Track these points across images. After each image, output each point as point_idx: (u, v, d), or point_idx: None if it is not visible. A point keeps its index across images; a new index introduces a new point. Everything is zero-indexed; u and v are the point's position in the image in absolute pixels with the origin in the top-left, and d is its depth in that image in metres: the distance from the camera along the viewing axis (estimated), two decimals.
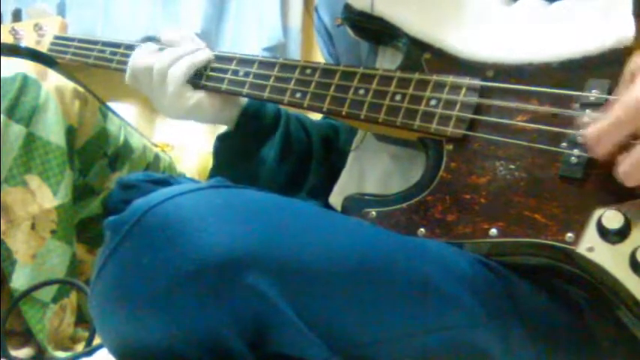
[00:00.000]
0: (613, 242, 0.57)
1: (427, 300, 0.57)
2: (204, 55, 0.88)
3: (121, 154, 1.25)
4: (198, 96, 0.87)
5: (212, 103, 0.88)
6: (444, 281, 0.59)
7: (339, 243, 0.55)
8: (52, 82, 1.12)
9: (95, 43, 1.03)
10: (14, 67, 1.09)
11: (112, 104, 1.30)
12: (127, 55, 0.95)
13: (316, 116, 0.93)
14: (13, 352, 1.06)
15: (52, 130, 1.10)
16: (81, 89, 1.17)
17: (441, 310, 0.58)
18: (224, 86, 0.86)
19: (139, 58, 0.91)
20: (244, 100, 0.91)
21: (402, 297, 0.56)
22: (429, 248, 0.61)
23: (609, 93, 0.62)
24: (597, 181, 0.60)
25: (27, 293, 1.06)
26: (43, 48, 1.14)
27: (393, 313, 0.56)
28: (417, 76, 0.72)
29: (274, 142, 0.92)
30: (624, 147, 0.56)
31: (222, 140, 0.93)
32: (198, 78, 0.88)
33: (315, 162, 0.96)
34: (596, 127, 0.57)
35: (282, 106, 0.92)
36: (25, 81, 1.08)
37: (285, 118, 0.94)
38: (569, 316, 0.65)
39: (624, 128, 0.55)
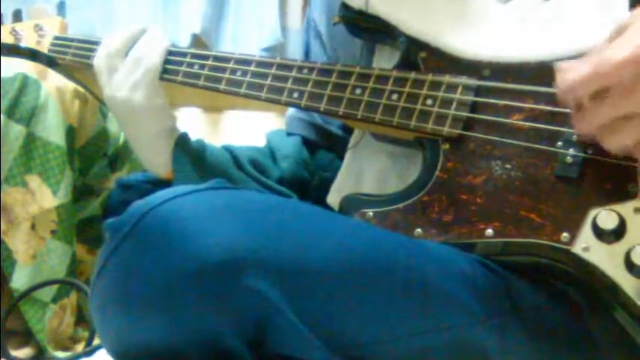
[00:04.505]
0: (608, 242, 0.57)
1: (427, 300, 0.57)
2: (159, 33, 0.87)
3: (121, 154, 1.26)
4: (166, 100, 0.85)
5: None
6: (444, 281, 0.59)
7: (338, 243, 0.55)
8: (52, 82, 1.12)
9: (95, 43, 1.02)
10: (14, 67, 1.10)
11: None
12: None
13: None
14: (13, 352, 1.06)
15: (52, 130, 1.10)
16: (81, 89, 1.17)
17: (440, 309, 0.58)
18: (222, 86, 0.86)
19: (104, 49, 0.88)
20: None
21: (401, 297, 0.56)
22: (428, 248, 0.62)
23: None
24: (593, 181, 0.60)
25: (27, 293, 1.06)
26: (44, 48, 1.14)
27: (393, 313, 0.56)
28: (413, 75, 0.72)
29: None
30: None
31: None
32: (196, 78, 0.87)
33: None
34: (572, 76, 0.55)
35: (279, 105, 0.91)
36: (25, 81, 1.09)
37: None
38: (568, 316, 0.65)
39: (595, 83, 0.54)
